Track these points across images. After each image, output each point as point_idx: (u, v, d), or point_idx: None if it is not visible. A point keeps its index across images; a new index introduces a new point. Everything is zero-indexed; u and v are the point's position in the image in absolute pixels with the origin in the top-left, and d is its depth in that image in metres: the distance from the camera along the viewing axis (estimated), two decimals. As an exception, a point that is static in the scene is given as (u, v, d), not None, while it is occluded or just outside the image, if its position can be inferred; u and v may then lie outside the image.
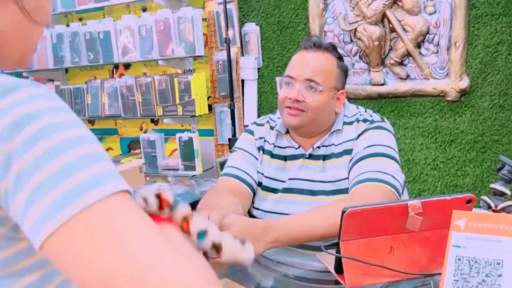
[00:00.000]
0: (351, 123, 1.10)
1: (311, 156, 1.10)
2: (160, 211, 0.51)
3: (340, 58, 1.12)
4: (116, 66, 2.26)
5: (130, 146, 2.22)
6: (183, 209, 0.54)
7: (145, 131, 2.22)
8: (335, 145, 1.09)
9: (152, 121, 2.22)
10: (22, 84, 0.41)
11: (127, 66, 2.23)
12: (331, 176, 1.07)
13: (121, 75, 2.23)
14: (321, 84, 1.05)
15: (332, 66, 1.08)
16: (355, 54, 1.74)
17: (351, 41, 1.73)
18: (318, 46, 1.09)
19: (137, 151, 2.13)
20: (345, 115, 1.12)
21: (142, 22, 1.95)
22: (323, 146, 1.10)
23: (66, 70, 2.35)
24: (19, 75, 2.28)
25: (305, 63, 1.08)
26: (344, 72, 1.12)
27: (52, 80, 2.37)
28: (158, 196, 0.51)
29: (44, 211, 0.37)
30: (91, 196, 0.38)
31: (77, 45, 2.11)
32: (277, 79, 1.13)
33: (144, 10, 2.08)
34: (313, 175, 1.09)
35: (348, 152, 1.06)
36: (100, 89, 2.14)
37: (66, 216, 0.37)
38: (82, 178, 0.38)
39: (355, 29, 1.70)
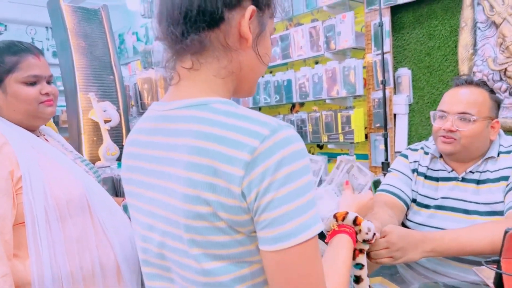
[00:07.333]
0: (508, 152, 1.10)
1: (463, 179, 1.11)
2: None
3: (491, 91, 1.12)
4: (294, 105, 2.59)
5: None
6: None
7: (312, 154, 2.48)
8: (491, 172, 1.08)
9: (318, 146, 2.50)
10: (283, 126, 0.50)
11: (302, 104, 2.54)
12: (486, 198, 1.06)
13: (297, 111, 2.57)
14: (474, 115, 1.05)
15: (484, 98, 1.08)
16: (505, 91, 1.71)
17: (501, 79, 1.72)
18: (469, 82, 1.11)
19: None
20: (501, 145, 1.11)
21: (315, 71, 2.26)
22: (477, 171, 1.10)
23: (260, 108, 2.69)
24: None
25: (456, 98, 1.09)
26: (497, 103, 1.12)
27: (250, 115, 2.91)
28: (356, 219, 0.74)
29: (288, 231, 0.48)
30: (314, 230, 0.50)
31: (268, 90, 2.51)
32: (431, 113, 1.15)
33: (317, 63, 2.36)
34: (466, 196, 1.09)
35: (505, 178, 1.05)
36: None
37: (300, 240, 0.48)
38: (311, 215, 0.50)
39: (505, 68, 1.69)
